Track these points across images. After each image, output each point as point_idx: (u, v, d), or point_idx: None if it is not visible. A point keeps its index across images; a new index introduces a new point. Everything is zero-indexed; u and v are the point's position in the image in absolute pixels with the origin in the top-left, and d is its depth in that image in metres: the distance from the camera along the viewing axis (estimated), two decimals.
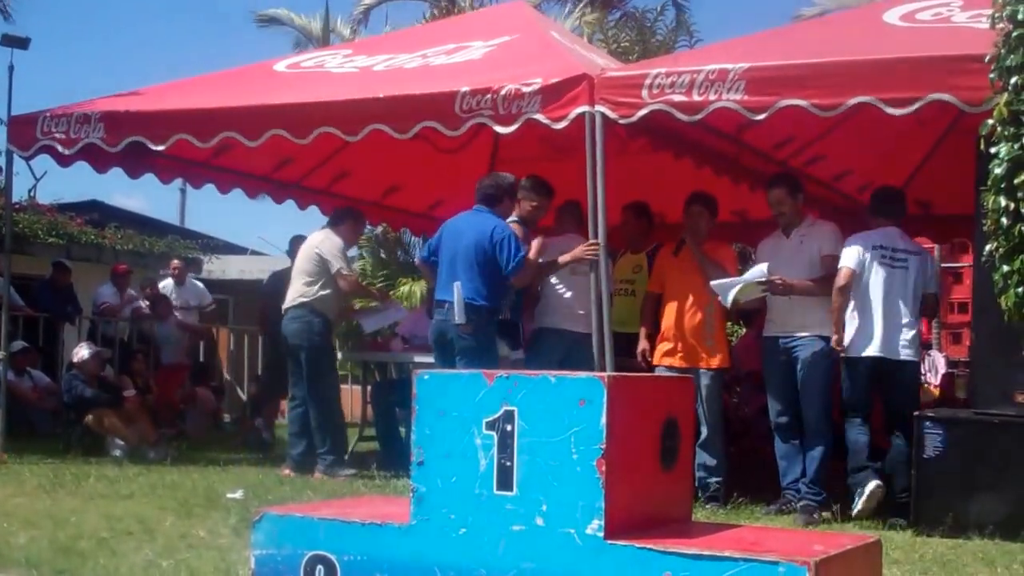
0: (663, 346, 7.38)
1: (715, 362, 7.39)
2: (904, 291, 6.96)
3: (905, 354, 6.93)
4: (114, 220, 17.85)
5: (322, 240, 8.77)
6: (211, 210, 46.67)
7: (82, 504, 6.69)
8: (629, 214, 8.54)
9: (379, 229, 16.76)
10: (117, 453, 9.34)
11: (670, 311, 7.42)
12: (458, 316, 7.46)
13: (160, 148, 8.67)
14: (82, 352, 10.32)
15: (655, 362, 7.35)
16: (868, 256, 6.91)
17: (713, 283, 7.08)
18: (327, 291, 8.54)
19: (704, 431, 7.21)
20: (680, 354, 7.31)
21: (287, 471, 8.41)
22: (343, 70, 9.16)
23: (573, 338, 7.84)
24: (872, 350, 6.90)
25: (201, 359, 13.83)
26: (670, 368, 7.24)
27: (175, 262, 14.03)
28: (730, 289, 7.01)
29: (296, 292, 8.62)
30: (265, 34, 23.32)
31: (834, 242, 7.12)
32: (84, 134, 8.82)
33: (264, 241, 47.73)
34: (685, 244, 7.47)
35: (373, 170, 10.70)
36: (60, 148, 8.96)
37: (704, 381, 7.26)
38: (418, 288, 15.48)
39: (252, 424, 11.33)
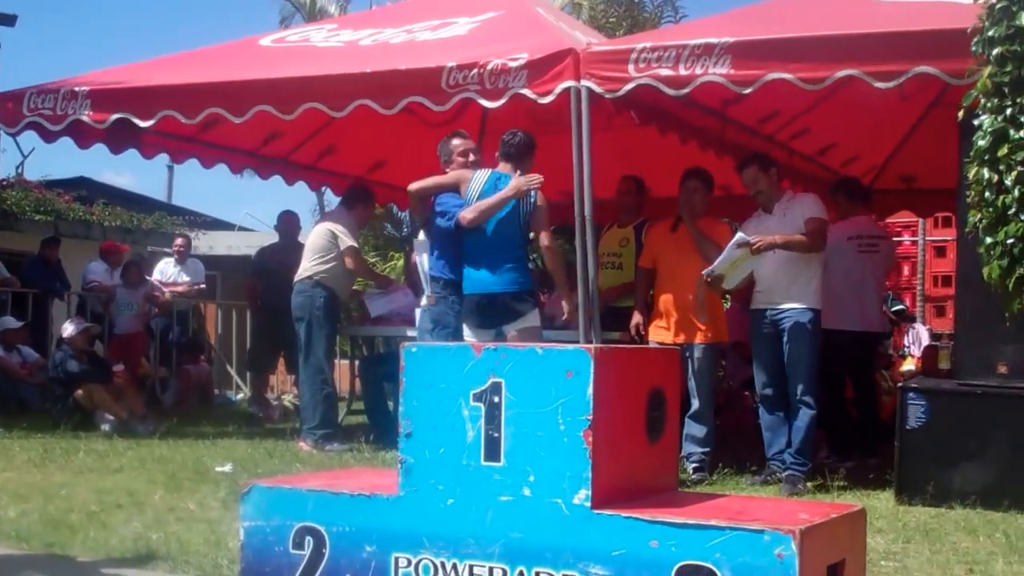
0: (658, 321, 7.37)
1: (709, 336, 7.31)
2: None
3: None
4: (102, 197, 17.83)
5: (336, 219, 8.97)
6: (198, 186, 46.51)
7: (72, 478, 6.72)
8: (630, 185, 8.53)
9: None
10: (106, 428, 9.35)
11: (665, 286, 7.38)
12: (426, 289, 7.59)
13: (146, 124, 8.66)
14: (71, 328, 10.32)
15: (650, 337, 7.34)
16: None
17: (704, 272, 6.97)
18: (333, 267, 8.61)
19: (695, 403, 7.22)
20: (675, 329, 7.30)
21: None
22: (329, 44, 9.14)
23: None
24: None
25: (190, 334, 13.78)
26: (664, 344, 7.22)
27: (179, 240, 13.75)
28: (719, 268, 6.89)
29: (302, 267, 8.72)
30: (254, 10, 23.29)
31: (816, 207, 7.12)
32: (71, 110, 8.80)
33: (252, 217, 47.56)
34: (681, 221, 7.37)
35: (360, 145, 10.69)
36: (47, 124, 8.93)
37: (697, 354, 7.22)
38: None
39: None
